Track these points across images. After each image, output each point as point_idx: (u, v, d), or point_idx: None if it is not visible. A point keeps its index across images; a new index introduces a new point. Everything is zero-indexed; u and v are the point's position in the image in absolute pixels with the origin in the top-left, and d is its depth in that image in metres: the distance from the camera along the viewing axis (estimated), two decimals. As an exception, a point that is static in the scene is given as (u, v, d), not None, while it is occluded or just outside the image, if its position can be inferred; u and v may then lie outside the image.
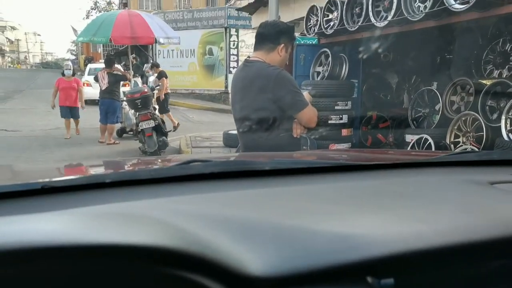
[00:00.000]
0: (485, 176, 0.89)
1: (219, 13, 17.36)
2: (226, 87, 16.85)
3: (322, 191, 0.78)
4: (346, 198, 0.75)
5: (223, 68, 17.14)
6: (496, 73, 4.63)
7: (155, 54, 18.62)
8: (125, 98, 7.92)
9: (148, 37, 8.35)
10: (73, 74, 9.23)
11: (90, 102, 11.79)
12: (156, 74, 10.01)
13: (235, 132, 7.57)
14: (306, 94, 2.60)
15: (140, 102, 7.17)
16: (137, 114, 7.24)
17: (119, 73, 8.80)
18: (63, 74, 9.11)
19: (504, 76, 4.46)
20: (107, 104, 8.44)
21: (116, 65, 9.54)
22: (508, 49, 4.52)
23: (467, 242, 0.57)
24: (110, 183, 0.75)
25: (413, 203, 0.71)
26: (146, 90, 7.59)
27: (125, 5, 28.90)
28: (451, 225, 0.61)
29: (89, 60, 24.45)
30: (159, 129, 7.35)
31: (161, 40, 8.54)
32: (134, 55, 17.13)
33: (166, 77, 9.96)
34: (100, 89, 8.58)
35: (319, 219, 0.62)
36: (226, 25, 16.85)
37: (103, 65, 17.84)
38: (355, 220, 0.62)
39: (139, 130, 7.23)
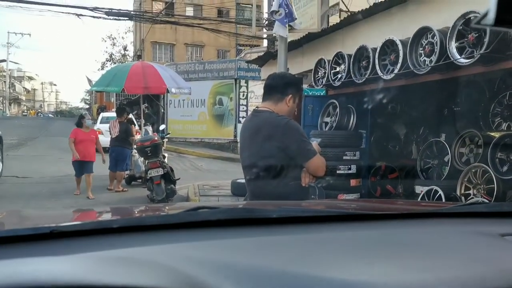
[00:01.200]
0: (495, 228, 0.88)
1: (230, 65, 17.87)
2: (235, 136, 17.02)
3: (328, 240, 0.77)
4: (351, 247, 0.74)
5: (233, 118, 17.40)
6: (504, 125, 4.65)
7: (166, 104, 19.02)
8: (135, 146, 8.02)
9: (160, 87, 8.67)
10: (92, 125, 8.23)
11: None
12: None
13: (243, 181, 7.54)
14: (314, 144, 2.63)
15: (150, 150, 7.26)
16: (147, 161, 7.30)
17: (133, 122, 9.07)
18: (78, 125, 7.99)
19: (512, 129, 4.47)
20: (117, 151, 8.56)
21: (130, 116, 9.69)
22: (515, 102, 4.56)
23: None
24: (117, 229, 0.76)
25: (419, 253, 0.71)
26: (156, 138, 7.69)
27: (139, 57, 29.90)
28: (457, 275, 0.60)
29: (102, 109, 25.01)
30: (168, 177, 7.38)
31: (173, 90, 8.84)
32: (146, 104, 17.55)
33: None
34: (111, 137, 8.75)
35: (324, 267, 0.61)
36: (236, 77, 17.29)
37: (114, 114, 18.26)
38: (359, 268, 0.62)
39: (148, 177, 7.26)
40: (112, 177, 8.62)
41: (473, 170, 4.52)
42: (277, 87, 2.59)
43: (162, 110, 18.74)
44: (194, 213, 0.87)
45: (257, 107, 2.74)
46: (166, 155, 9.26)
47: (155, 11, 21.48)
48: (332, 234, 0.82)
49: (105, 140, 12.21)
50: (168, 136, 9.51)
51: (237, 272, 0.59)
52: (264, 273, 0.59)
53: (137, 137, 9.13)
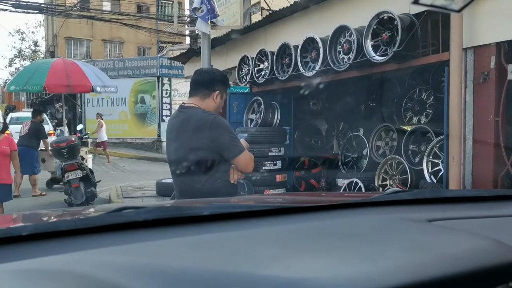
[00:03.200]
0: (421, 214, 0.92)
1: (151, 62, 17.37)
2: (159, 135, 16.61)
3: (264, 235, 0.75)
4: (289, 241, 0.73)
5: (156, 116, 16.96)
6: (415, 119, 4.99)
7: (84, 103, 18.06)
8: (50, 148, 7.50)
9: (85, 85, 8.18)
10: (4, 130, 5.85)
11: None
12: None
13: (168, 181, 7.37)
14: (242, 141, 2.62)
15: (67, 152, 6.83)
16: (63, 164, 6.85)
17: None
18: None
19: (422, 122, 4.81)
20: (23, 152, 7.89)
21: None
22: (424, 97, 4.91)
23: (417, 281, 0.56)
24: (28, 236, 0.67)
25: (358, 243, 0.71)
26: (73, 139, 7.24)
27: (51, 53, 28.09)
28: (399, 264, 0.60)
29: (11, 109, 23.10)
30: (87, 180, 6.99)
31: (98, 89, 8.38)
32: (60, 103, 16.50)
33: None
34: (19, 135, 8.10)
35: (264, 264, 0.58)
36: (158, 74, 16.86)
37: (25, 114, 17.00)
38: (302, 263, 0.60)
39: (65, 180, 6.83)
40: (19, 180, 7.90)
41: (389, 162, 4.80)
42: (204, 83, 2.55)
43: (80, 110, 17.75)
44: (117, 215, 0.80)
45: (183, 103, 2.67)
46: (91, 156, 8.82)
47: (68, 5, 20.25)
48: (265, 229, 0.80)
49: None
50: (86, 136, 8.99)
51: (166, 276, 0.54)
52: (198, 275, 0.55)
53: (51, 139, 8.55)
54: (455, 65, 3.53)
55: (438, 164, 4.14)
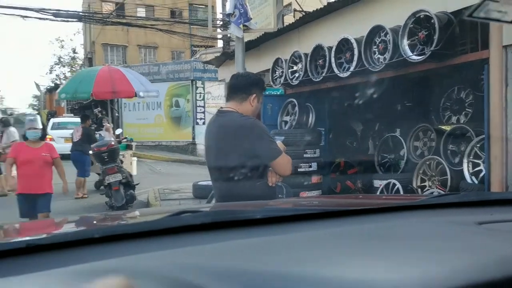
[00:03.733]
0: (469, 217, 0.92)
1: (185, 66, 17.66)
2: (193, 138, 16.86)
3: (317, 238, 0.78)
4: (340, 244, 0.75)
5: (190, 119, 17.22)
6: (454, 119, 4.88)
7: (121, 107, 18.55)
8: (91, 152, 7.77)
9: (129, 91, 8.60)
10: (43, 137, 5.25)
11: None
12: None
13: (204, 183, 7.45)
14: (279, 143, 2.65)
15: (107, 156, 7.05)
16: (104, 167, 7.08)
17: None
18: (25, 138, 5.18)
19: (462, 122, 4.70)
20: (75, 157, 8.44)
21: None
22: (463, 96, 4.79)
23: (475, 284, 0.57)
24: (99, 239, 0.73)
25: (410, 247, 0.72)
26: (113, 143, 7.48)
27: (89, 60, 28.99)
28: (455, 267, 0.61)
29: (52, 114, 23.98)
30: (127, 183, 7.19)
31: (141, 94, 8.81)
32: (99, 108, 17.02)
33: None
34: (72, 142, 8.61)
35: (323, 266, 0.61)
36: (192, 78, 17.11)
37: (66, 119, 17.64)
38: (359, 265, 0.62)
39: (106, 184, 7.05)
40: (81, 183, 8.43)
41: (428, 163, 4.71)
42: (241, 87, 2.59)
43: (117, 114, 18.25)
44: (177, 218, 0.85)
45: (221, 107, 2.73)
46: (135, 158, 9.25)
47: (105, 12, 20.87)
48: (319, 231, 0.83)
49: (59, 147, 11.89)
50: (125, 140, 9.24)
51: (234, 276, 0.58)
52: (261, 275, 0.58)
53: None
54: (495, 63, 3.44)
55: (479, 165, 4.04)
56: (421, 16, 3.95)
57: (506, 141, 3.49)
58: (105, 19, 17.00)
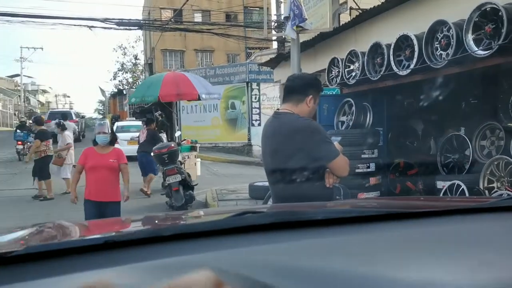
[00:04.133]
0: None
1: (241, 68, 17.89)
2: (249, 139, 17.03)
3: (382, 240, 0.76)
4: (406, 247, 0.73)
5: (246, 121, 17.42)
6: (525, 116, 4.57)
7: (179, 110, 19.13)
8: (152, 154, 8.09)
9: (192, 93, 9.22)
10: (112, 142, 5.09)
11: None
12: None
13: (260, 184, 7.50)
14: (336, 144, 2.62)
15: (167, 157, 7.30)
16: (164, 168, 7.34)
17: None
18: (94, 142, 4.98)
19: (533, 119, 4.39)
20: (141, 157, 9.08)
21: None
22: (535, 92, 4.48)
23: None
24: (169, 237, 0.76)
25: (483, 251, 0.69)
26: (173, 145, 7.75)
27: (150, 65, 30.15)
28: None
29: (116, 118, 25.19)
30: (186, 183, 7.41)
31: (204, 96, 9.36)
32: (159, 111, 17.65)
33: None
34: (138, 144, 9.38)
35: (392, 267, 0.60)
36: (247, 80, 17.30)
37: (129, 123, 18.57)
38: (423, 269, 0.61)
39: (166, 184, 7.31)
40: (148, 181, 8.98)
41: (496, 163, 4.45)
42: (297, 88, 2.60)
43: (176, 117, 18.84)
44: (241, 218, 0.87)
45: (277, 109, 2.74)
46: (199, 160, 9.84)
47: (164, 19, 21.63)
48: (383, 233, 0.81)
49: (123, 149, 12.76)
50: (183, 141, 9.59)
51: (301, 276, 0.58)
52: (330, 275, 0.59)
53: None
54: None
55: (554, 165, 3.76)
56: (487, 9, 3.75)
57: None
58: (164, 26, 17.65)
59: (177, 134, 9.97)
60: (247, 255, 0.69)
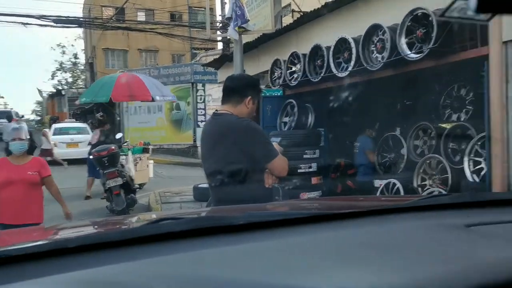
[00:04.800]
0: (460, 219, 0.89)
1: (185, 69, 17.69)
2: (195, 140, 16.86)
3: (299, 244, 0.75)
4: (324, 251, 0.72)
5: (191, 122, 17.24)
6: (454, 117, 4.83)
7: (122, 111, 18.57)
8: (91, 157, 7.77)
9: (145, 95, 9.33)
10: (31, 150, 4.03)
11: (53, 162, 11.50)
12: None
13: (205, 185, 7.44)
14: (275, 145, 2.63)
15: (107, 160, 7.05)
16: (104, 172, 7.08)
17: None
18: (7, 152, 3.90)
19: (462, 120, 4.65)
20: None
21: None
22: (464, 94, 4.75)
23: None
24: (74, 248, 0.70)
25: (393, 253, 0.70)
26: (113, 147, 7.48)
27: (91, 65, 29.08)
28: (432, 275, 0.59)
29: (54, 119, 24.03)
30: (127, 187, 7.19)
31: (157, 98, 9.53)
32: (101, 113, 17.04)
33: None
34: (90, 144, 9.10)
35: (302, 275, 0.59)
36: (192, 80, 17.14)
37: (68, 125, 17.88)
38: (340, 274, 0.60)
39: (106, 188, 7.05)
40: (90, 183, 8.69)
41: (428, 161, 4.67)
42: (235, 89, 2.57)
43: (118, 118, 18.28)
44: (156, 226, 0.83)
45: (216, 110, 2.71)
46: (152, 162, 9.91)
47: (105, 17, 20.92)
48: (301, 237, 0.80)
49: (62, 152, 12.31)
50: (125, 144, 9.33)
51: (210, 285, 0.55)
52: (238, 285, 0.56)
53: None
54: (495, 60, 3.40)
55: (480, 163, 3.99)
56: (419, 14, 3.92)
57: (507, 138, 3.45)
58: (105, 24, 17.06)
59: (118, 136, 9.67)
60: (159, 265, 0.65)
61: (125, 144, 9.32)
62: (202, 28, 18.37)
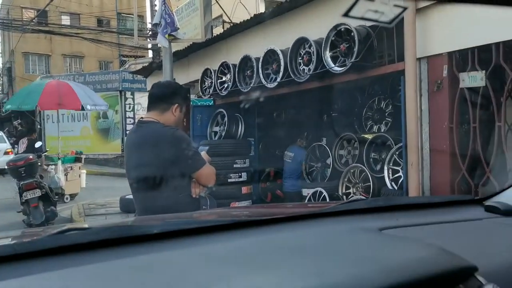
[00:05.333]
0: (374, 223, 0.93)
1: (113, 76, 17.09)
2: (123, 150, 16.29)
3: (214, 252, 0.73)
4: (239, 258, 0.71)
5: (119, 131, 16.65)
6: (375, 128, 5.11)
7: (43, 119, 17.49)
8: (6, 167, 7.20)
9: (75, 103, 9.06)
10: None
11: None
12: None
13: (132, 196, 7.13)
14: (203, 154, 2.59)
15: (24, 170, 6.57)
16: (21, 183, 6.58)
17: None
18: None
19: (382, 131, 4.92)
20: None
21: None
22: (383, 106, 5.04)
23: None
24: None
25: (307, 257, 0.70)
26: (31, 157, 6.98)
27: (8, 69, 27.19)
28: (344, 278, 0.60)
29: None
30: (47, 198, 6.74)
31: (88, 107, 9.31)
32: (19, 120, 15.94)
33: None
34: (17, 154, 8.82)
35: (212, 284, 0.57)
36: (120, 88, 16.60)
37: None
38: (251, 281, 0.58)
39: (23, 200, 6.56)
40: None
41: (352, 170, 4.88)
42: (162, 96, 2.51)
43: (39, 126, 17.19)
44: (60, 237, 0.77)
45: (141, 117, 2.63)
46: (84, 171, 9.76)
47: (25, 19, 19.68)
48: (217, 245, 0.79)
49: None
50: (45, 153, 8.86)
51: None
52: None
53: (9, 157, 8.64)
54: (410, 75, 3.64)
55: (398, 171, 4.24)
56: (342, 29, 4.11)
57: (421, 148, 3.70)
58: (25, 27, 16.05)
59: (38, 145, 9.08)
60: (58, 280, 0.60)
61: (45, 153, 8.88)
62: (130, 35, 17.91)
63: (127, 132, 16.29)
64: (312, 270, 0.63)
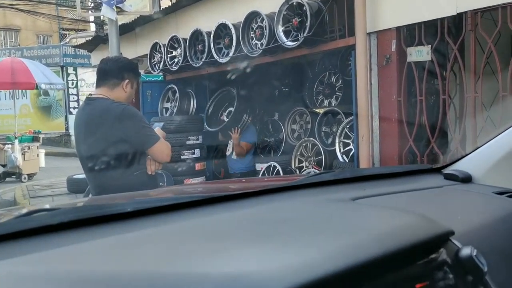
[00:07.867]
0: (345, 194, 0.95)
1: (54, 51, 16.19)
2: (67, 129, 15.62)
3: (195, 228, 0.72)
4: (223, 232, 0.70)
5: (62, 109, 15.91)
6: (326, 102, 5.20)
7: (-23, 97, 16.37)
8: None
9: (29, 83, 8.79)
10: None
11: None
12: None
13: (81, 176, 6.97)
14: (157, 130, 2.54)
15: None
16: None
17: None
18: None
19: (333, 105, 5.02)
20: None
21: None
22: (334, 81, 5.13)
23: (358, 263, 0.56)
24: None
25: (292, 229, 0.70)
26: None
27: None
28: (339, 247, 0.61)
29: None
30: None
31: (43, 86, 9.04)
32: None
33: None
34: None
35: (202, 260, 0.56)
36: (62, 64, 15.77)
37: None
38: (242, 255, 0.58)
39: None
40: None
41: (304, 144, 4.97)
42: (112, 71, 2.41)
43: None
44: (27, 219, 0.72)
45: (90, 94, 2.52)
46: (43, 151, 9.60)
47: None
48: (196, 221, 0.77)
49: None
50: (31, 133, 8.59)
51: (95, 282, 0.49)
52: (130, 277, 0.51)
53: None
54: (360, 50, 3.72)
55: (349, 144, 4.36)
56: (294, 4, 4.09)
57: (371, 121, 3.81)
58: (-50, -5, 14.73)
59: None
60: (28, 264, 0.57)
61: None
62: (71, 7, 16.92)
63: (71, 109, 15.63)
64: (306, 242, 0.63)
